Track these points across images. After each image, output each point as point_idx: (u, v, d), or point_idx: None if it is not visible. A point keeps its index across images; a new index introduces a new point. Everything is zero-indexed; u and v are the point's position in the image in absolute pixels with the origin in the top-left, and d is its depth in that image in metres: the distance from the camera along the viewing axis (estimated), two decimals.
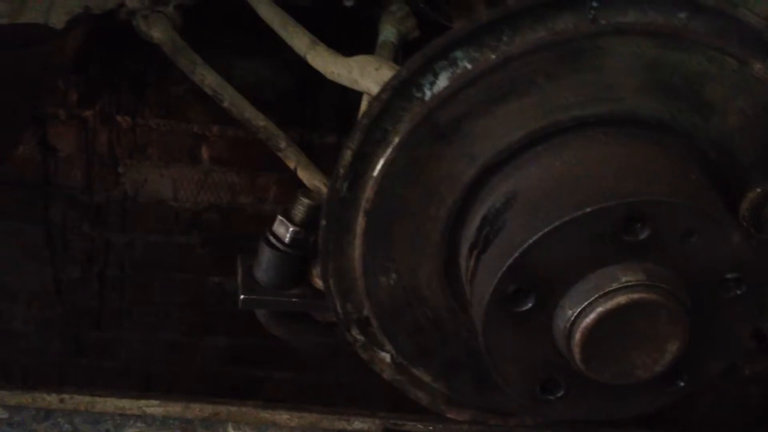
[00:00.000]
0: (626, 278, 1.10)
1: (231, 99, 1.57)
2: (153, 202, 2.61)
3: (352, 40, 1.63)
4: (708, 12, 1.14)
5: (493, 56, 1.14)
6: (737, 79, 1.15)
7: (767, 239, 1.21)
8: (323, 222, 1.24)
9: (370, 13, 1.71)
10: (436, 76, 1.17)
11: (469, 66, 1.16)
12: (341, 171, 1.21)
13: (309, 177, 1.57)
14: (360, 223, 1.23)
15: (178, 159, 2.57)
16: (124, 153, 2.56)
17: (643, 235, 1.10)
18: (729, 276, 1.14)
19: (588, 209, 1.08)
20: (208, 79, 1.56)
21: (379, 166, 1.20)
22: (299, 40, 1.59)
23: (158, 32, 1.54)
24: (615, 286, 1.10)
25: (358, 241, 1.24)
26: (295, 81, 1.65)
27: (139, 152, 2.56)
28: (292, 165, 1.59)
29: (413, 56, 1.18)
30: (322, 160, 1.62)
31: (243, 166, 2.57)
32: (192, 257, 2.68)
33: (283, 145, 1.58)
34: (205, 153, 2.56)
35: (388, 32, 1.67)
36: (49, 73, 2.21)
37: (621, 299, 1.10)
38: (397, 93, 1.18)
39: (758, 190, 1.19)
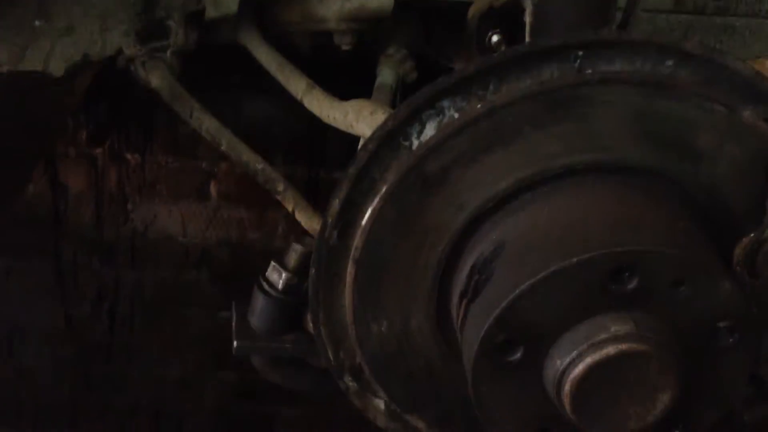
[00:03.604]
0: (615, 328, 1.08)
1: (228, 143, 1.57)
2: (162, 238, 2.62)
3: (352, 83, 1.64)
4: (695, 60, 1.13)
5: (479, 106, 1.14)
6: (726, 126, 1.14)
7: (763, 285, 1.19)
8: (313, 271, 1.24)
9: (367, 56, 1.72)
10: (423, 125, 1.17)
11: (455, 115, 1.16)
12: (329, 220, 1.21)
13: (307, 220, 1.57)
14: (350, 271, 1.23)
15: (186, 195, 2.58)
16: (134, 190, 2.57)
17: (631, 285, 1.09)
18: (721, 324, 1.12)
19: (574, 260, 1.07)
20: (206, 123, 1.57)
21: (367, 215, 1.20)
22: (296, 84, 1.60)
23: (156, 79, 1.55)
24: (604, 336, 1.08)
25: (348, 290, 1.24)
26: (304, 118, 1.65)
27: (148, 189, 2.57)
28: (290, 207, 1.59)
29: (400, 105, 1.18)
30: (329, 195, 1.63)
31: (251, 202, 2.57)
32: (201, 293, 2.69)
33: (281, 187, 1.59)
34: (213, 189, 2.57)
35: (385, 75, 1.68)
36: (59, 114, 2.23)
37: (610, 350, 1.08)
38: (385, 143, 1.18)
39: (752, 235, 1.17)
